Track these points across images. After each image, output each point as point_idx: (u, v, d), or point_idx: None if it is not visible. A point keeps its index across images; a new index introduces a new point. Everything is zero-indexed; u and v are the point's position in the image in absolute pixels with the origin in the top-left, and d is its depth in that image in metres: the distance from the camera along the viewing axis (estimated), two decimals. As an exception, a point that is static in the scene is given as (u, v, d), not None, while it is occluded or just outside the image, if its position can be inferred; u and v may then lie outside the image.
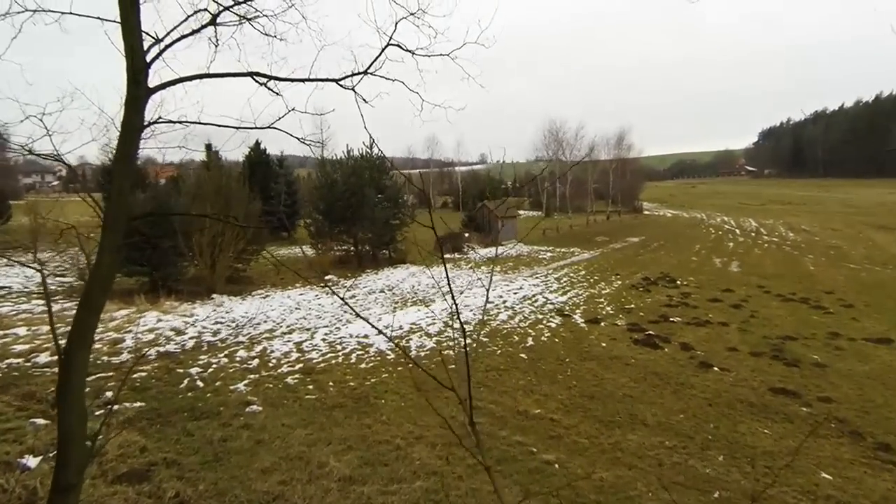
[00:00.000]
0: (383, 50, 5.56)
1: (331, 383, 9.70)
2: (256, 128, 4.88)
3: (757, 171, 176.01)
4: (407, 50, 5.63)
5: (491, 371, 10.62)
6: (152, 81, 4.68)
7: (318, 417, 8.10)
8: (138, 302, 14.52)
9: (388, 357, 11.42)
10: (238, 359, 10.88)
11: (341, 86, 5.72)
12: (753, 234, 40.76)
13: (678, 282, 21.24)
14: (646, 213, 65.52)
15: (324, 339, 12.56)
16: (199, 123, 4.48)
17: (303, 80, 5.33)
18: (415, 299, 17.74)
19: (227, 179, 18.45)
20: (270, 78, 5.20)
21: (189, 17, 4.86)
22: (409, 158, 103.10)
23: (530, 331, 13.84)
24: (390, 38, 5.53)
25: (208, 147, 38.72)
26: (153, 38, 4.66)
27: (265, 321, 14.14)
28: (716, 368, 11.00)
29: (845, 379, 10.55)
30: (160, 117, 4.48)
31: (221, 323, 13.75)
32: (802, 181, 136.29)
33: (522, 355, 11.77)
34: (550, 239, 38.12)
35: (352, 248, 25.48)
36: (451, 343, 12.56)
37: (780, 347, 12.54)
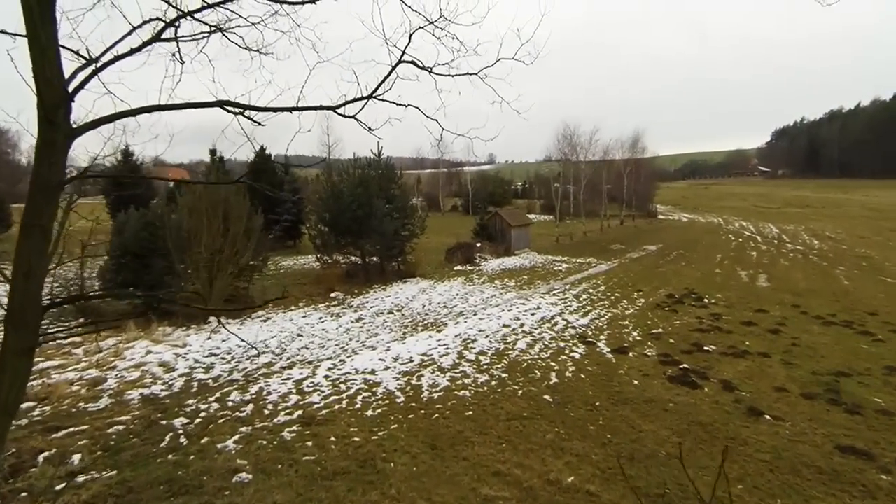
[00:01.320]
0: (394, 68, 4.34)
1: (332, 438, 8.53)
2: (222, 182, 3.74)
3: (770, 171, 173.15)
4: (423, 68, 4.42)
5: (513, 420, 9.40)
6: (85, 111, 3.49)
7: (315, 491, 6.93)
8: (128, 329, 13.46)
9: (398, 400, 10.24)
10: (230, 403, 9.75)
11: (339, 114, 4.51)
12: (776, 242, 39.15)
13: (705, 300, 19.90)
14: (660, 217, 63.94)
15: (326, 377, 11.39)
16: (142, 178, 3.34)
17: (289, 110, 4.13)
18: (426, 322, 16.54)
19: (225, 192, 17.34)
20: (245, 108, 3.99)
21: (135, 28, 3.69)
22: (417, 159, 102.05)
23: (553, 364, 12.60)
24: (403, 52, 4.31)
25: (212, 152, 37.96)
26: (85, 58, 3.47)
27: (264, 352, 13.02)
28: (767, 417, 9.70)
29: (919, 432, 9.22)
30: (88, 169, 3.32)
31: (216, 355, 12.63)
32: (818, 182, 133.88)
33: (546, 397, 10.54)
34: (564, 247, 36.81)
35: (359, 260, 24.34)
36: (466, 381, 11.35)
37: (834, 387, 11.21)
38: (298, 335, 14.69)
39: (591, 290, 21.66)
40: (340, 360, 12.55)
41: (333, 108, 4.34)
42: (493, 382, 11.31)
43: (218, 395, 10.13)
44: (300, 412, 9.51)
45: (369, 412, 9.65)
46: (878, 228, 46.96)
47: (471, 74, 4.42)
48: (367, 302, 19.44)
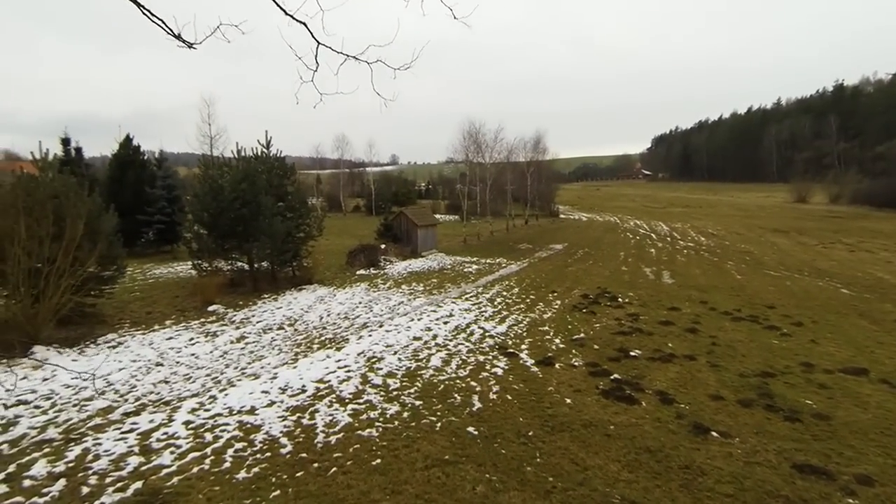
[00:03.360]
0: None
1: (182, 525, 6.00)
2: None
3: (652, 174, 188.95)
4: None
5: (433, 468, 7.43)
6: None
7: None
8: None
9: (283, 451, 7.85)
10: (28, 483, 6.76)
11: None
12: (669, 239, 41.20)
13: (619, 299, 19.43)
14: (562, 216, 65.86)
15: (188, 423, 8.66)
16: None
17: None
18: (323, 338, 14.10)
19: (59, 186, 13.63)
20: None
21: None
22: (317, 159, 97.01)
23: (473, 383, 10.85)
24: None
25: (65, 142, 32.15)
26: None
27: (102, 392, 9.87)
28: (714, 433, 8.66)
29: (860, 438, 8.63)
30: None
31: (28, 402, 9.30)
32: (691, 185, 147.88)
33: (471, 429, 8.72)
34: (473, 247, 35.74)
35: (246, 266, 21.09)
36: (372, 414, 9.21)
37: (766, 391, 10.60)
38: (158, 364, 11.59)
39: (504, 293, 20.40)
40: (210, 397, 9.81)
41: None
42: (406, 414, 9.28)
43: (12, 468, 7.06)
44: (139, 484, 6.79)
45: (242, 473, 7.17)
46: (749, 226, 51.59)
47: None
48: (254, 315, 16.49)
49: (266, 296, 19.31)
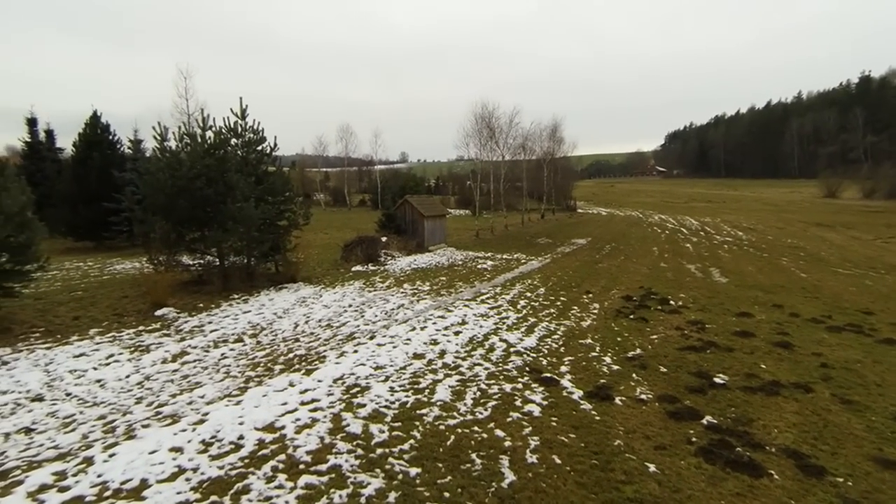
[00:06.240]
0: None
1: None
2: None
3: (666, 171, 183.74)
4: None
5: None
6: None
7: None
8: None
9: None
10: None
11: None
12: (703, 234, 37.14)
13: (671, 301, 15.61)
14: (580, 211, 61.89)
15: (11, 521, 5.05)
16: None
17: None
18: (292, 355, 10.45)
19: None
20: None
21: None
22: (321, 155, 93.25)
23: (499, 432, 7.15)
24: None
25: (30, 122, 28.73)
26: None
27: (-87, 452, 6.29)
28: (931, 547, 4.91)
29: None
30: None
31: None
32: (709, 181, 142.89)
33: (502, 531, 5.02)
34: (486, 242, 32.00)
35: (216, 261, 17.52)
36: (338, 497, 5.54)
37: (956, 450, 6.81)
38: (37, 399, 8.00)
39: (528, 294, 16.65)
40: (82, 462, 6.19)
41: None
42: (393, 496, 5.59)
43: None
44: None
45: None
46: (787, 220, 47.33)
47: None
48: (210, 322, 12.90)
49: (236, 296, 15.75)
